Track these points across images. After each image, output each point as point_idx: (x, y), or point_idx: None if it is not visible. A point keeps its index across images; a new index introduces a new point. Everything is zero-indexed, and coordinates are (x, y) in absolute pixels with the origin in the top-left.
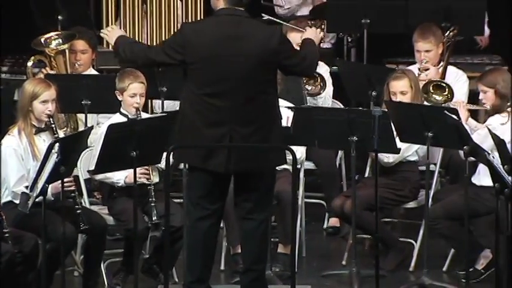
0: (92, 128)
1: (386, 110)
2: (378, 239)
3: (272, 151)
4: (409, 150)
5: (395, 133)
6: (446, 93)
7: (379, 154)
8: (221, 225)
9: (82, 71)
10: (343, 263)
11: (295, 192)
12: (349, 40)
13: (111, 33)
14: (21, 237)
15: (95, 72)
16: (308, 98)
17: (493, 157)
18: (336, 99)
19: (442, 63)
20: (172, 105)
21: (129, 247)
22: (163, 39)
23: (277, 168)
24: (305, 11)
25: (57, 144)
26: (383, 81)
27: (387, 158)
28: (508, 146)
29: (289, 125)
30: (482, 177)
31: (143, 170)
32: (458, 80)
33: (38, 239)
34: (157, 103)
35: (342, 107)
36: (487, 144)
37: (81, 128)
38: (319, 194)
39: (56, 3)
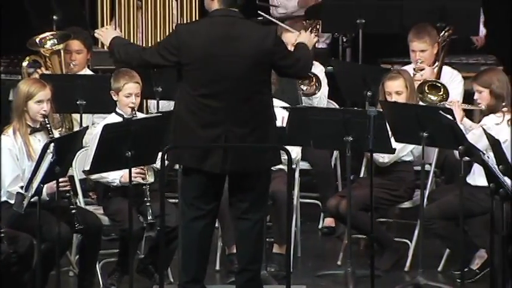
0: (87, 128)
1: (381, 110)
2: (373, 239)
3: (267, 151)
4: (404, 150)
5: (390, 133)
6: (441, 93)
7: (374, 154)
8: (216, 225)
9: (77, 71)
10: (339, 263)
11: (290, 192)
12: (344, 40)
13: (105, 34)
14: (16, 238)
15: (90, 72)
16: (303, 98)
17: (488, 157)
18: (331, 99)
19: (437, 63)
20: (168, 105)
21: (124, 247)
22: (158, 39)
23: (272, 168)
24: (300, 11)
25: (52, 144)
26: (378, 81)
27: (382, 158)
28: (503, 146)
29: (284, 125)
30: (477, 177)
31: (138, 170)
32: (453, 80)
33: (33, 239)
34: (152, 103)
35: (337, 107)
36: (482, 144)
37: (76, 128)
38: (314, 194)
39: (51, 3)
